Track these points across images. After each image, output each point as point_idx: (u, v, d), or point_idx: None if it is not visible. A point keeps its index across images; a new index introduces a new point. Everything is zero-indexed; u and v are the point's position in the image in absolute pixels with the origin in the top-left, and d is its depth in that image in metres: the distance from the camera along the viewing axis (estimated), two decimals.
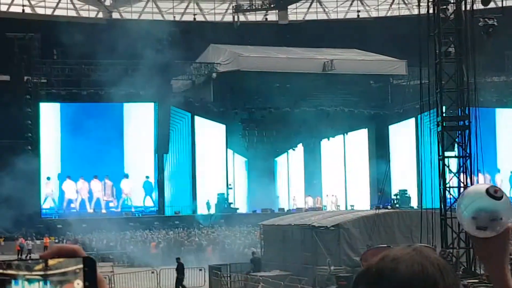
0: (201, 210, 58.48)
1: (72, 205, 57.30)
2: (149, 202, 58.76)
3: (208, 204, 58.58)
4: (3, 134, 53.76)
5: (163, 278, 35.78)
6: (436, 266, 1.97)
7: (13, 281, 1.60)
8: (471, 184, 28.11)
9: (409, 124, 60.43)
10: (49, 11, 71.27)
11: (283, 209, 59.33)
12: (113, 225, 51.92)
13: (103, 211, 57.34)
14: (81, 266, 1.65)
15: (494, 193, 2.31)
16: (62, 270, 1.63)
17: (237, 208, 60.40)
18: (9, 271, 1.61)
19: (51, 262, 1.63)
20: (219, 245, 47.19)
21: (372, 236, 30.25)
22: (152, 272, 36.46)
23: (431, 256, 2.00)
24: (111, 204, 58.21)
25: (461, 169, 28.59)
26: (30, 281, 1.61)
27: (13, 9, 69.49)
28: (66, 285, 1.62)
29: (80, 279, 1.63)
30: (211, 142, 60.84)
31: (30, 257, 45.35)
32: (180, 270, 34.48)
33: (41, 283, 1.61)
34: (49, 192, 56.59)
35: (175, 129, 59.21)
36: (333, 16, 76.35)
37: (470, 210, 2.32)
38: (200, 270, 37.11)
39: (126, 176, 58.22)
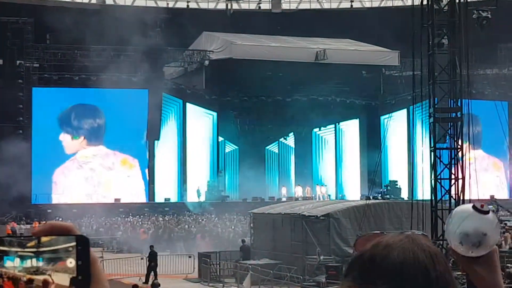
0: (191, 197, 58.48)
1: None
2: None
3: (198, 191, 58.60)
4: None
5: None
6: (428, 253, 1.98)
7: (5, 258, 1.59)
8: (463, 176, 28.20)
9: (401, 115, 60.51)
10: None
11: (273, 197, 59.37)
12: (103, 211, 51.92)
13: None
14: (74, 244, 1.63)
15: (481, 207, 2.33)
16: (55, 248, 1.62)
17: (228, 196, 60.46)
18: (1, 248, 1.60)
19: (44, 239, 1.62)
20: (209, 232, 47.22)
21: (362, 226, 30.33)
22: (141, 259, 36.46)
23: (423, 244, 2.01)
24: None
25: (453, 161, 28.63)
26: (22, 257, 1.60)
27: None
28: (58, 263, 1.61)
29: (73, 257, 1.62)
30: (202, 129, 60.87)
31: None
32: (152, 257, 34.08)
33: (33, 260, 1.61)
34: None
35: (166, 116, 59.15)
36: (326, 5, 76.24)
37: (460, 228, 2.32)
38: (190, 257, 37.14)
39: None
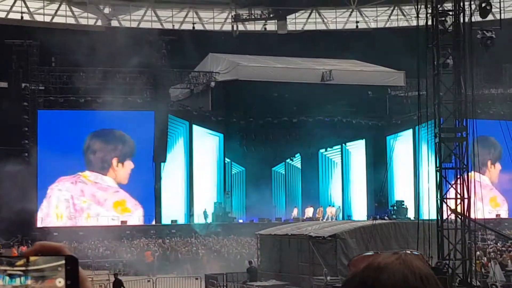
0: (198, 219, 58.41)
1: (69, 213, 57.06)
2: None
3: (205, 213, 58.51)
4: (2, 141, 53.72)
5: (159, 287, 35.72)
6: (418, 276, 1.99)
7: None
8: (468, 195, 28.10)
9: (407, 135, 60.48)
10: (47, 18, 71.33)
11: (280, 218, 59.26)
12: (109, 233, 51.87)
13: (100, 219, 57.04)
14: (63, 263, 1.64)
15: None
16: (43, 266, 1.64)
17: (235, 217, 60.37)
18: None
19: (32, 258, 1.64)
20: (216, 254, 47.13)
21: (369, 247, 30.26)
22: (148, 281, 36.42)
23: (414, 265, 2.02)
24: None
25: (458, 180, 28.60)
26: (11, 276, 1.61)
27: (11, 16, 69.56)
28: (46, 281, 1.62)
29: (62, 277, 1.64)
30: (209, 151, 60.85)
31: None
32: (117, 286, 33.21)
33: (22, 278, 1.62)
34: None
35: (172, 138, 59.18)
36: (332, 26, 76.47)
37: None
38: (196, 279, 37.14)
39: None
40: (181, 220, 57.73)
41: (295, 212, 62.33)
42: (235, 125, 61.32)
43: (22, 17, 70.03)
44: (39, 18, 71.47)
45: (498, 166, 62.28)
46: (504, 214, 61.86)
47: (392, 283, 1.95)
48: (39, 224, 54.76)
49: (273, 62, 61.93)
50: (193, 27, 74.43)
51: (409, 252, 23.64)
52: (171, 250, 48.80)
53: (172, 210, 58.06)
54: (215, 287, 34.41)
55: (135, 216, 57.10)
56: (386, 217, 49.93)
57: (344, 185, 66.02)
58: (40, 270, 1.63)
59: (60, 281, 1.63)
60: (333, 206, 63.00)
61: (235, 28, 72.27)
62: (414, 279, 1.97)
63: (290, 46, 67.18)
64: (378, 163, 60.96)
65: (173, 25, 73.88)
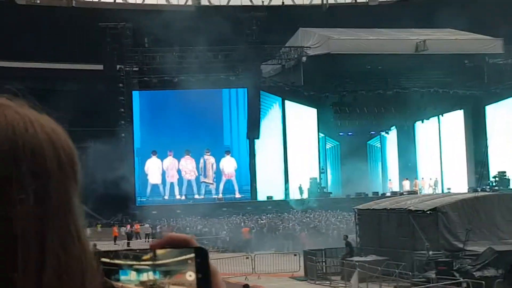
0: (294, 195, 58.35)
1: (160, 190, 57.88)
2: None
3: (300, 188, 58.43)
4: (99, 122, 54.57)
5: (258, 264, 35.73)
6: None
7: (120, 271, 1.44)
8: None
9: (508, 104, 58.96)
10: (139, 0, 71.98)
11: (377, 193, 58.73)
12: (206, 210, 52.30)
13: (196, 196, 57.52)
14: (192, 256, 1.45)
15: None
16: (172, 260, 1.47)
17: (330, 192, 60.10)
18: (117, 261, 1.45)
19: (159, 251, 1.47)
20: (313, 230, 46.97)
21: (472, 220, 29.51)
22: (247, 258, 36.45)
23: None
24: (211, 187, 58.30)
25: None
26: (138, 271, 1.45)
27: None
28: (175, 275, 1.45)
29: (192, 270, 1.45)
30: (302, 126, 60.61)
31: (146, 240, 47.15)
32: None
33: (149, 273, 1.45)
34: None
35: (266, 114, 59.18)
36: None
37: None
38: (295, 255, 36.97)
39: (228, 151, 58.52)
40: (277, 196, 57.75)
41: (390, 185, 61.80)
42: (328, 99, 60.98)
43: (115, 0, 70.84)
44: (131, 0, 72.21)
45: None
46: None
47: None
48: (138, 203, 55.62)
49: (365, 34, 61.14)
50: (283, 3, 74.14)
51: None
52: (268, 226, 48.87)
53: (268, 186, 58.17)
54: (314, 263, 34.24)
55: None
56: (487, 189, 48.96)
57: (443, 157, 64.96)
58: (169, 264, 1.48)
59: (191, 275, 1.47)
60: (429, 178, 62.23)
61: (325, 1, 71.64)
62: None
63: (382, 17, 66.20)
64: (477, 133, 59.90)
65: (263, 1, 73.68)
